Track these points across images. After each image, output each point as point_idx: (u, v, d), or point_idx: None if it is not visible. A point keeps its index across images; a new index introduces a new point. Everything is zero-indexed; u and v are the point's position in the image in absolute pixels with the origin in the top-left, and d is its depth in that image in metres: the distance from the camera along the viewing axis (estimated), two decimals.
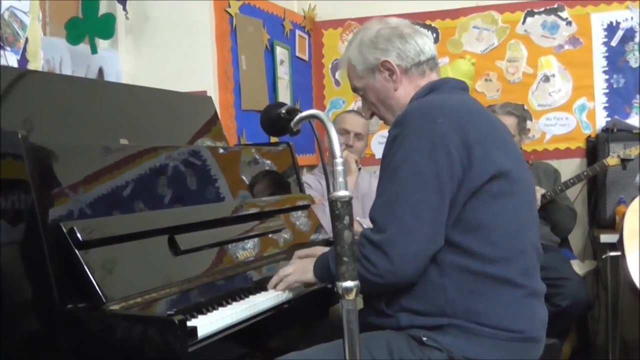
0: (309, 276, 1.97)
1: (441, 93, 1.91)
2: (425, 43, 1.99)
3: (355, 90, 2.07)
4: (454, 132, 1.74)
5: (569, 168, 4.18)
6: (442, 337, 1.75)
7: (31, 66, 2.39)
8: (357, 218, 3.03)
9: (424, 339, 1.75)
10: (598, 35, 4.19)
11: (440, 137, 1.74)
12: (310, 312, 2.20)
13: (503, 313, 1.76)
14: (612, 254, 3.48)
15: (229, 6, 3.42)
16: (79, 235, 1.60)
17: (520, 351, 1.79)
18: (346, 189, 1.40)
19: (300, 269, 2.01)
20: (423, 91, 1.94)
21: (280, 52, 3.97)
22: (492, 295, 1.76)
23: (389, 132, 1.88)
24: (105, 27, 2.79)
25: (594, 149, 4.05)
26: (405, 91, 1.97)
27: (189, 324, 1.58)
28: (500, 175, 1.77)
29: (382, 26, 2.00)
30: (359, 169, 3.55)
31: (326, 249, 2.08)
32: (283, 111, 1.78)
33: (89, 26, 2.72)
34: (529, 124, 3.99)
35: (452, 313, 1.75)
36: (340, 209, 1.38)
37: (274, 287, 2.02)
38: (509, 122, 3.72)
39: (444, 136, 1.74)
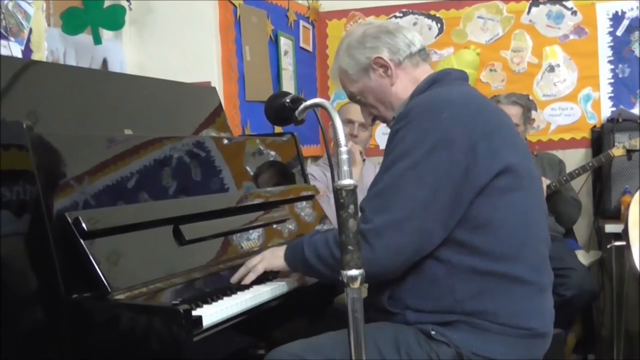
0: (279, 263, 1.92)
1: (444, 85, 1.87)
2: (413, 35, 1.97)
3: (352, 97, 2.02)
4: (459, 128, 1.70)
5: (574, 158, 4.18)
6: (451, 332, 1.73)
7: (35, 57, 2.39)
8: None
9: (433, 333, 1.73)
10: (603, 25, 4.18)
11: (443, 133, 1.70)
12: (315, 301, 2.20)
13: (513, 311, 1.74)
14: (617, 244, 3.47)
15: None
16: (84, 225, 1.60)
17: (530, 347, 1.78)
18: (351, 177, 1.39)
19: (268, 256, 1.94)
20: (425, 84, 1.89)
21: (285, 43, 3.96)
22: (502, 294, 1.73)
23: (391, 126, 1.84)
24: (114, 19, 2.78)
25: (599, 139, 4.04)
26: (402, 85, 1.93)
27: (194, 313, 1.58)
28: (507, 171, 1.73)
29: (367, 27, 1.99)
30: (364, 160, 3.54)
31: None
32: (287, 100, 1.78)
33: (92, 17, 2.71)
34: (533, 114, 3.99)
35: (460, 312, 1.73)
36: (344, 198, 1.38)
37: (241, 279, 1.92)
38: (514, 112, 3.72)
39: (448, 132, 1.70)
